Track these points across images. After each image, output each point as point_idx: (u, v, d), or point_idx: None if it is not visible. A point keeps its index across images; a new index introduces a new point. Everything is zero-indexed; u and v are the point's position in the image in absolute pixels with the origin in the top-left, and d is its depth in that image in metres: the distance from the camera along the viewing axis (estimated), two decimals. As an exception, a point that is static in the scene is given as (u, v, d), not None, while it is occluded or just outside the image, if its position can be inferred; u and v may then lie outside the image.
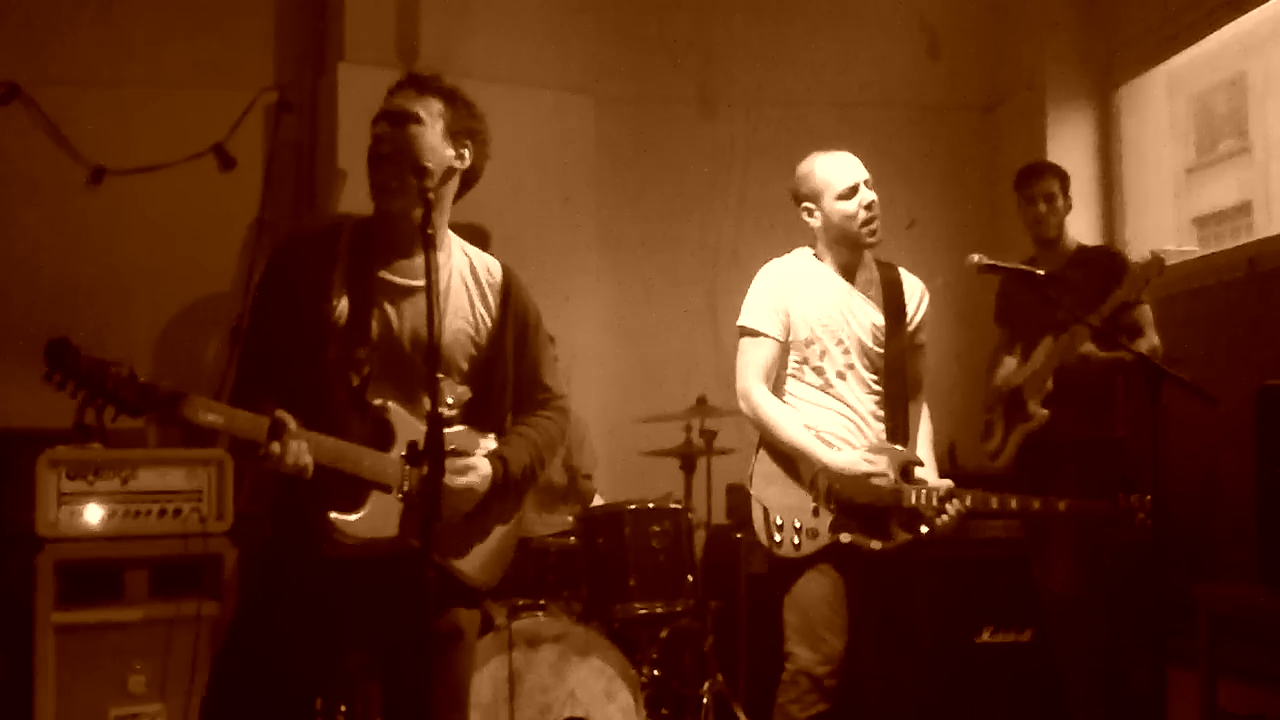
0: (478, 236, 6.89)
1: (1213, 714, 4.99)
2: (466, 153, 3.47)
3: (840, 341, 4.34)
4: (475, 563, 3.44)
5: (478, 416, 3.49)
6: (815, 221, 4.44)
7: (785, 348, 4.36)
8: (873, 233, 4.38)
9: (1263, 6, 6.29)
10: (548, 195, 7.20)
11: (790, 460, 4.27)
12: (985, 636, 5.95)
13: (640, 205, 7.61)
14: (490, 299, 3.53)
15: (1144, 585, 4.43)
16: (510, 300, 3.55)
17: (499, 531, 3.50)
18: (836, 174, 4.43)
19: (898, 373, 4.44)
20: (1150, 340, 5.42)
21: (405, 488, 3.25)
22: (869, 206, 4.37)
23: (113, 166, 6.68)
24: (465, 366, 3.46)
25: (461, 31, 7.03)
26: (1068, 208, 5.76)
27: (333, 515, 3.16)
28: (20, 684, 5.01)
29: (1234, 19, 6.51)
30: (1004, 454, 5.63)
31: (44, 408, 5.29)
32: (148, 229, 6.69)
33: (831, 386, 4.34)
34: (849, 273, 4.44)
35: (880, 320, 4.41)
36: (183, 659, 5.17)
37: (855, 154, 7.25)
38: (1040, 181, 5.75)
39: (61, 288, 6.51)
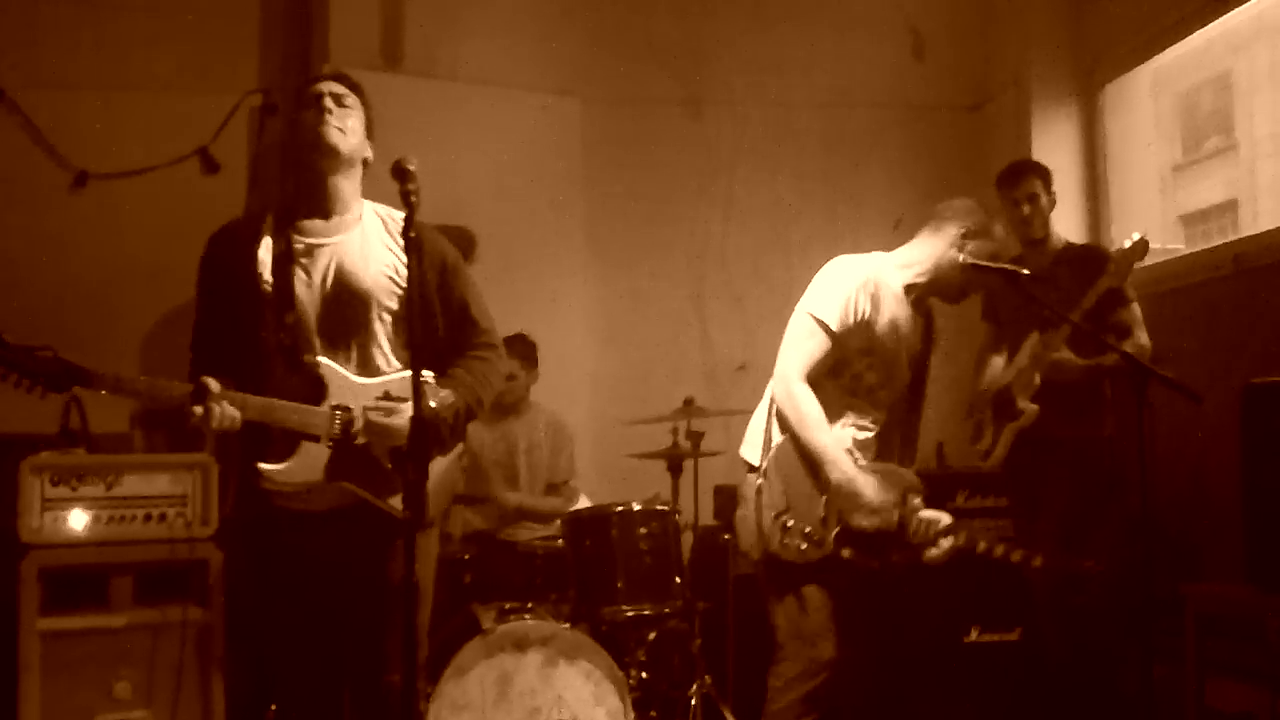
0: (463, 238, 6.97)
1: (1200, 712, 4.99)
2: None
3: (888, 361, 4.32)
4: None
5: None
6: (955, 248, 4.35)
7: (841, 345, 4.28)
8: (950, 299, 4.44)
9: (1247, 5, 6.29)
10: (534, 197, 7.19)
11: (812, 462, 4.19)
12: (974, 636, 5.94)
13: (627, 207, 7.60)
14: (399, 239, 3.78)
15: (1132, 584, 4.42)
16: (421, 242, 3.67)
17: (433, 469, 3.62)
18: (1002, 244, 4.43)
19: (917, 397, 4.49)
20: (1139, 340, 5.43)
21: (335, 433, 3.58)
22: (972, 285, 4.42)
23: (96, 170, 6.65)
24: (395, 306, 3.75)
25: (447, 34, 7.03)
26: (1051, 204, 5.79)
27: (261, 465, 3.53)
28: (5, 691, 4.98)
29: (1219, 17, 6.51)
30: (995, 453, 5.64)
31: (28, 413, 5.29)
32: (131, 232, 6.65)
33: (862, 398, 4.32)
34: (910, 294, 4.42)
35: (917, 346, 4.44)
36: (169, 665, 5.15)
37: (842, 153, 7.33)
38: (1023, 182, 5.77)
39: (45, 291, 6.48)
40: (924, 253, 4.40)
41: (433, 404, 3.53)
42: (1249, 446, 4.83)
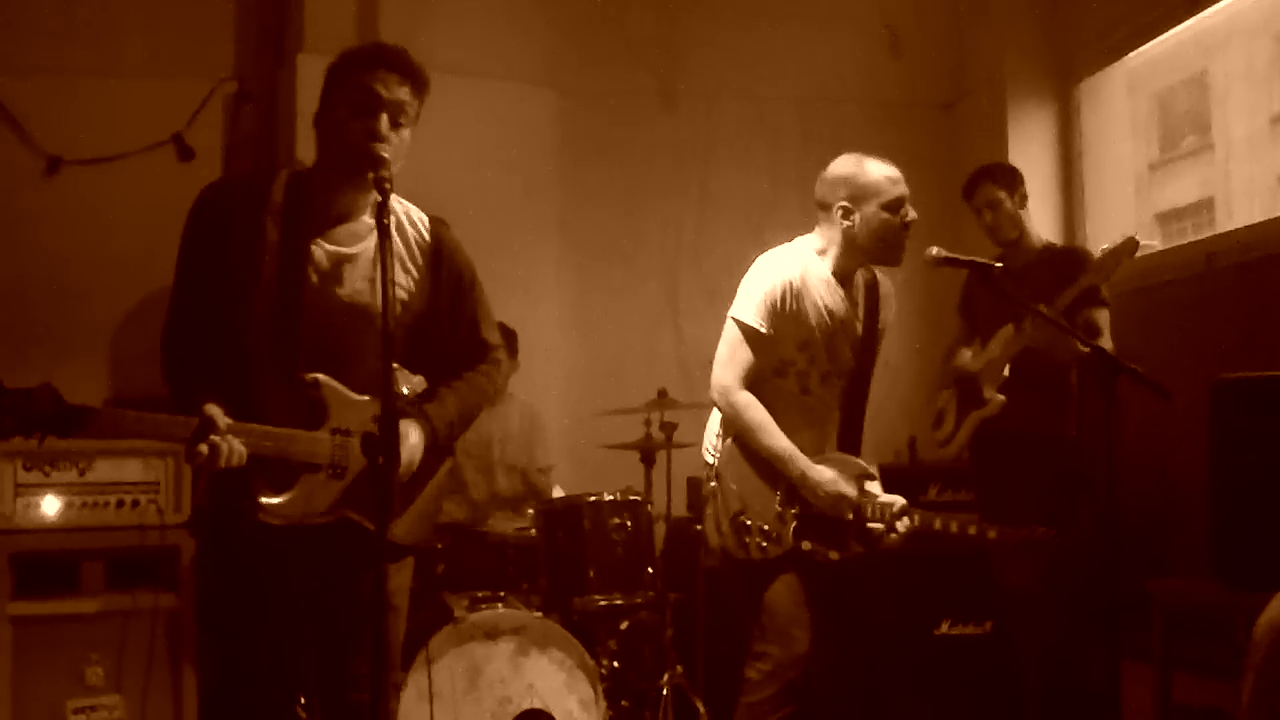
0: (438, 228, 6.91)
1: (1166, 707, 5.02)
2: None
3: (828, 348, 4.31)
4: (404, 523, 3.47)
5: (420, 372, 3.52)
6: (847, 223, 4.26)
7: (776, 345, 4.29)
8: (889, 263, 4.34)
9: (1222, 4, 6.32)
10: (508, 188, 7.18)
11: (764, 463, 4.23)
12: (944, 629, 5.97)
13: (601, 198, 7.60)
14: (419, 258, 3.53)
15: (1098, 580, 4.44)
16: (441, 260, 3.56)
17: (425, 490, 3.55)
18: (890, 183, 4.29)
19: (862, 382, 4.44)
20: (1105, 344, 5.43)
21: (335, 461, 3.28)
22: (909, 225, 4.28)
23: (69, 156, 6.62)
24: (404, 331, 3.45)
25: (422, 22, 7.01)
26: (1020, 204, 5.70)
27: (262, 499, 3.20)
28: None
29: (1193, 16, 6.53)
30: (955, 441, 5.63)
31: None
32: (105, 220, 6.62)
33: (809, 393, 4.32)
34: (845, 278, 4.37)
35: (859, 331, 4.39)
36: (140, 651, 5.15)
37: (817, 149, 7.30)
38: (978, 191, 5.72)
39: (17, 279, 6.46)
40: (828, 237, 4.36)
41: (405, 390, 3.37)
42: (1217, 443, 4.85)
